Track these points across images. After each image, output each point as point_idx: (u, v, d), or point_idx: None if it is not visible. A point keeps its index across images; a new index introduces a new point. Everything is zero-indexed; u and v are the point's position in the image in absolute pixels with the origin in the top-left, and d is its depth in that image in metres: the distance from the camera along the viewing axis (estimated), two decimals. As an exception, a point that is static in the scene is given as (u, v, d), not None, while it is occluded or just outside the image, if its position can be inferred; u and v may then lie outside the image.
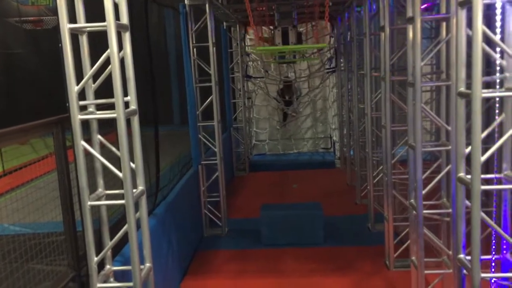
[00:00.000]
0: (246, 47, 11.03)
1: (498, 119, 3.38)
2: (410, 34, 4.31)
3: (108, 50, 3.18)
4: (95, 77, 3.43)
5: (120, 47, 3.31)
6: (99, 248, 3.53)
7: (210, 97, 7.11)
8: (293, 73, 12.04)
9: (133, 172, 3.50)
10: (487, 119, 3.69)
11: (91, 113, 3.42)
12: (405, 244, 5.41)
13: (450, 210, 4.41)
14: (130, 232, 3.40)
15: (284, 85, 12.00)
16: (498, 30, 3.31)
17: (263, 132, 12.62)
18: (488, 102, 4.85)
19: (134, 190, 3.46)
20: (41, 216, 3.57)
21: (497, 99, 3.51)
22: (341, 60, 10.66)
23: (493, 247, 3.69)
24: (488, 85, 3.30)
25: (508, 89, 3.27)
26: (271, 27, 8.04)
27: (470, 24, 3.18)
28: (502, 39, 3.21)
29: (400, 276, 5.45)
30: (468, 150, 3.29)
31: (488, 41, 3.14)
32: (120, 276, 3.71)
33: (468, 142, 3.34)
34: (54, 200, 3.56)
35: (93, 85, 3.45)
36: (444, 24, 4.42)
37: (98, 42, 3.45)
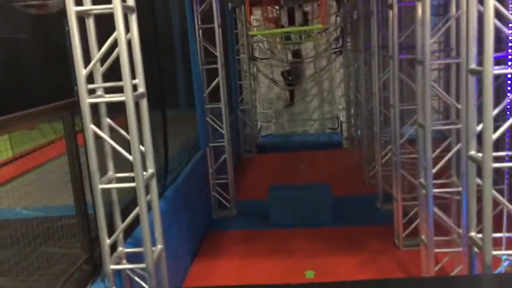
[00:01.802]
0: (250, 29, 10.93)
1: (510, 96, 3.34)
2: (419, 11, 4.25)
3: (115, 33, 3.16)
4: (102, 60, 3.42)
5: (127, 29, 3.29)
6: (111, 230, 3.56)
7: (216, 79, 7.08)
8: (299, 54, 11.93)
9: (142, 155, 3.51)
10: (498, 96, 3.65)
11: (100, 96, 3.41)
12: (414, 223, 5.42)
13: (460, 189, 4.40)
14: (142, 214, 3.42)
15: (291, 67, 11.91)
16: (510, 6, 3.25)
17: (270, 113, 12.59)
18: (498, 80, 4.80)
19: (144, 173, 3.47)
20: (52, 199, 3.60)
21: (509, 75, 3.47)
22: (348, 40, 10.56)
23: (505, 224, 3.69)
24: (498, 62, 3.26)
25: (520, 66, 3.22)
26: (277, 6, 7.93)
27: (481, 0, 3.13)
28: (515, 14, 3.16)
29: (410, 255, 5.47)
30: (479, 128, 3.27)
31: (498, 17, 3.09)
32: (133, 258, 3.75)
33: (478, 120, 3.32)
34: (65, 184, 3.58)
35: (101, 69, 3.44)
36: (454, 0, 4.35)
37: (105, 25, 3.42)
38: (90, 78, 3.37)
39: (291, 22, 7.51)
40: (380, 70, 7.01)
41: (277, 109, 12.60)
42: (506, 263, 3.63)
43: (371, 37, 6.96)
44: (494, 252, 3.35)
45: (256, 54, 11.99)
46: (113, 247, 3.62)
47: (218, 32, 6.93)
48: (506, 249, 3.63)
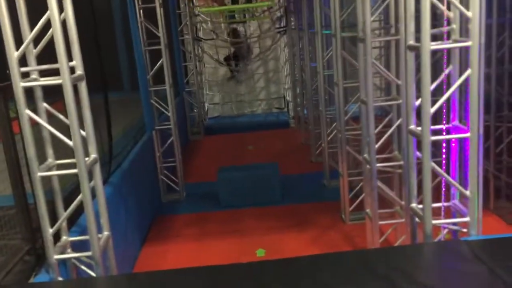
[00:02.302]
0: (195, 8, 10.74)
1: (446, 71, 3.47)
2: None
3: (48, 12, 3.00)
4: (36, 42, 3.25)
5: (61, 9, 3.14)
6: (54, 220, 3.44)
7: (160, 61, 6.92)
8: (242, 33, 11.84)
9: (84, 140, 3.39)
10: (435, 72, 3.78)
11: (35, 80, 3.25)
12: (360, 197, 5.59)
13: (401, 162, 4.56)
14: (85, 201, 3.33)
15: (235, 49, 11.82)
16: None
17: (216, 95, 12.51)
18: (435, 56, 4.96)
19: (86, 159, 3.36)
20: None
21: (445, 51, 3.58)
22: (292, 19, 10.59)
23: (443, 195, 3.86)
24: (435, 38, 3.37)
25: (455, 41, 3.34)
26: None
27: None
28: (449, -9, 3.25)
29: (356, 228, 5.64)
30: (418, 102, 3.38)
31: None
32: (78, 247, 3.64)
33: (417, 95, 3.43)
34: (1, 172, 3.41)
35: (34, 50, 3.27)
36: (392, -22, 4.43)
37: (38, 5, 3.24)
38: (24, 62, 3.20)
39: (234, 2, 7.46)
40: (323, 49, 7.09)
41: (223, 91, 12.52)
42: (445, 231, 3.81)
43: (314, 16, 7.01)
44: (434, 221, 3.50)
45: (200, 35, 11.81)
46: (57, 237, 3.50)
47: (159, 11, 6.75)
48: (445, 218, 3.80)
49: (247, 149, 9.93)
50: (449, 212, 3.85)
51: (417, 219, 3.62)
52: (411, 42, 3.38)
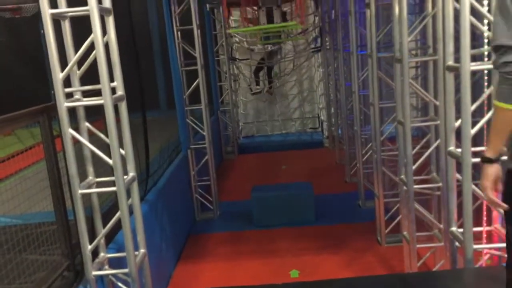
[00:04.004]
0: (229, 29, 10.93)
1: (486, 92, 3.40)
2: (396, 10, 4.29)
3: (92, 35, 3.11)
4: (80, 64, 3.37)
5: (104, 32, 3.25)
6: (92, 236, 3.51)
7: (196, 81, 7.04)
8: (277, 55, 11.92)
9: (123, 159, 3.47)
10: (474, 92, 3.72)
11: (78, 100, 3.36)
12: (396, 219, 5.47)
13: (440, 184, 4.46)
14: (123, 218, 3.39)
15: (264, 66, 11.88)
16: (485, 2, 3.31)
17: (251, 114, 12.59)
18: (474, 76, 4.87)
19: (125, 177, 3.43)
20: (31, 206, 3.53)
21: (485, 71, 3.52)
22: (327, 39, 10.62)
23: (484, 218, 3.75)
24: (474, 59, 3.32)
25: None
26: (255, 7, 7.94)
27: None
28: (489, 11, 3.21)
29: (392, 251, 5.52)
30: (457, 123, 3.32)
31: (473, 13, 3.14)
32: (115, 264, 3.70)
33: (457, 116, 3.37)
34: (43, 190, 3.52)
35: (78, 72, 3.39)
36: (429, -2, 4.40)
37: (81, 28, 3.37)
38: (68, 82, 3.32)
39: (270, 22, 7.54)
40: (359, 69, 7.07)
41: (258, 110, 12.59)
42: (486, 256, 3.69)
43: (349, 36, 7.01)
44: (475, 246, 3.40)
45: (236, 55, 11.97)
46: (95, 253, 3.57)
47: (196, 33, 6.90)
48: (486, 242, 3.69)
49: (281, 168, 9.91)
50: (491, 237, 3.73)
51: (457, 244, 3.52)
52: (450, 62, 3.33)
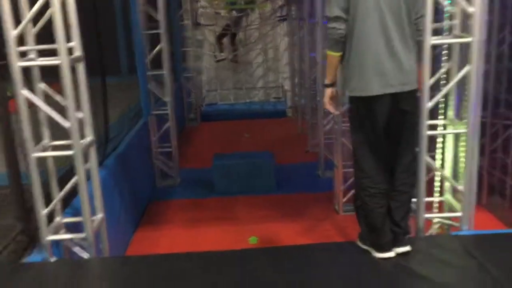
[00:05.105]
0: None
1: (445, 66, 3.47)
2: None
3: (48, -8, 2.97)
4: (35, 22, 3.23)
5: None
6: (48, 201, 3.44)
7: (159, 45, 6.87)
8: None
9: (80, 123, 3.39)
10: (433, 66, 3.79)
11: (32, 59, 3.22)
12: (353, 189, 5.60)
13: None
14: (80, 182, 3.33)
15: (228, 33, 11.69)
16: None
17: (214, 81, 12.45)
18: (435, 50, 4.96)
19: (82, 141, 3.36)
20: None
21: (445, 46, 3.58)
22: (293, 8, 10.53)
23: (437, 189, 3.88)
24: (436, 32, 3.36)
25: (456, 36, 3.34)
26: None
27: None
28: (451, -14, 3.25)
29: (349, 220, 5.64)
30: (416, 96, 3.38)
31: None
32: (72, 228, 3.65)
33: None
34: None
35: (33, 30, 3.24)
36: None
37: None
38: (22, 41, 3.18)
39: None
40: (323, 40, 7.05)
41: (222, 77, 12.46)
42: (436, 225, 3.84)
43: (315, 6, 6.97)
44: (426, 215, 3.53)
45: (201, 20, 11.72)
46: (51, 218, 3.51)
47: (160, -4, 6.69)
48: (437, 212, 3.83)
49: (243, 137, 9.92)
50: (442, 207, 3.88)
51: (410, 213, 3.64)
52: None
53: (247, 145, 9.21)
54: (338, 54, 3.15)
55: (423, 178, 3.41)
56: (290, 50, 11.17)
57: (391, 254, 3.19)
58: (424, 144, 3.34)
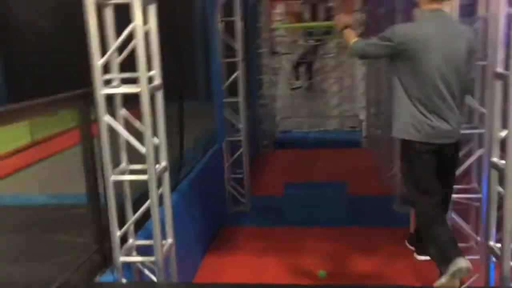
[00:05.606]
0: (273, 23, 10.84)
1: (536, 102, 3.22)
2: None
3: (132, 24, 3.12)
4: (121, 51, 3.40)
5: (146, 20, 3.26)
6: (122, 223, 3.55)
7: (235, 73, 7.02)
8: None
9: (156, 148, 3.49)
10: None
11: (115, 87, 3.39)
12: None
13: (480, 195, 4.28)
14: (152, 207, 3.41)
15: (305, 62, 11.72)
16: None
17: (289, 109, 12.48)
18: None
19: (157, 166, 3.45)
20: (67, 187, 3.61)
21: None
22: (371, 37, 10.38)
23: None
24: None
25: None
26: (299, 1, 7.84)
27: (510, 1, 3.01)
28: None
29: (425, 261, 5.35)
30: (503, 134, 3.16)
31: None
32: (143, 251, 3.73)
33: (503, 125, 3.21)
34: (79, 173, 3.58)
35: (117, 59, 3.41)
36: (481, 1, 4.20)
37: (123, 16, 3.39)
38: (108, 69, 3.35)
39: (314, 17, 7.43)
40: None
41: (296, 105, 12.47)
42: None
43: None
44: (513, 263, 3.24)
45: (279, 49, 11.86)
46: (124, 240, 3.61)
47: (239, 25, 6.86)
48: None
49: (315, 165, 9.80)
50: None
51: (493, 259, 3.37)
52: (499, 69, 3.17)
53: (319, 174, 9.08)
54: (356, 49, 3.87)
55: (509, 223, 3.14)
56: (367, 79, 10.99)
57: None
58: (511, 186, 3.09)
